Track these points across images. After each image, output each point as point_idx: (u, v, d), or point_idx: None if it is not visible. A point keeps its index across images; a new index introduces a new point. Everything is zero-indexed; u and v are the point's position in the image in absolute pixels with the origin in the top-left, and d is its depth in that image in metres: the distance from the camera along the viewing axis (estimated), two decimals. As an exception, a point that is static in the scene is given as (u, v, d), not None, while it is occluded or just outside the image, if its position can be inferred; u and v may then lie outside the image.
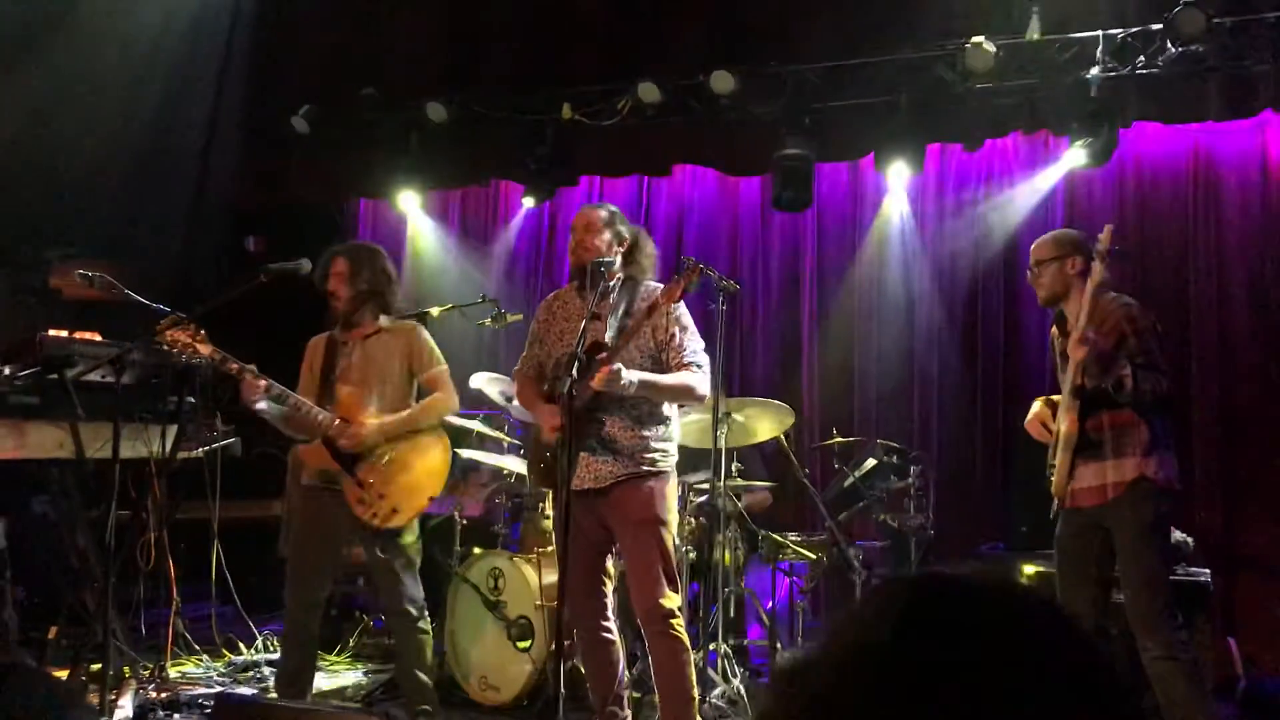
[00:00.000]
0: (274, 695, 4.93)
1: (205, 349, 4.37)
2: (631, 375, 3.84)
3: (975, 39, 5.64)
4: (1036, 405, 4.22)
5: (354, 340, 4.54)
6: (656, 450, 4.04)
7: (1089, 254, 4.01)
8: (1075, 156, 5.90)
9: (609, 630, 4.16)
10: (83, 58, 7.08)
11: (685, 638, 4.02)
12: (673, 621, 3.95)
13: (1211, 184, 6.16)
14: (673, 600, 3.97)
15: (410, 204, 7.29)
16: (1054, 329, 4.21)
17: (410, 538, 4.50)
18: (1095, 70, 5.59)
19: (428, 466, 4.47)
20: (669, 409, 4.12)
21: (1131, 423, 3.88)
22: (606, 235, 4.11)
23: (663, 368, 4.03)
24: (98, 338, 5.35)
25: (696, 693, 4.10)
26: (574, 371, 3.85)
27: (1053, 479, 4.03)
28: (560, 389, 3.88)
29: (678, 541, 4.80)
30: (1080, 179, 6.32)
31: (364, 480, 4.37)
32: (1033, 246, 4.23)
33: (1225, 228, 6.10)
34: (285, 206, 7.42)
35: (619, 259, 4.14)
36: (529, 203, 7.15)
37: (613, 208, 4.31)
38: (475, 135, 6.94)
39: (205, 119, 7.16)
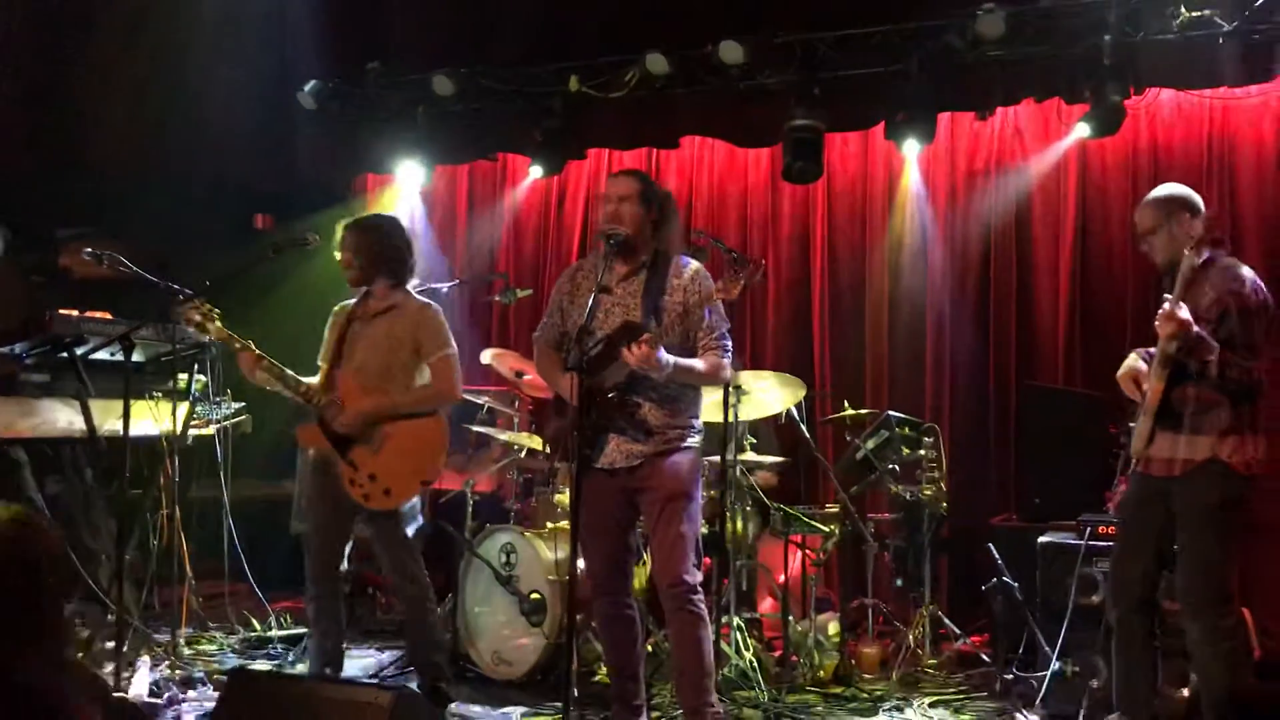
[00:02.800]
0: (297, 671, 4.97)
1: (213, 327, 4.40)
2: (668, 360, 3.81)
3: (986, 5, 5.57)
4: (1131, 359, 4.07)
5: (365, 316, 4.53)
6: (685, 428, 4.02)
7: (1195, 207, 3.88)
8: (1084, 129, 5.84)
9: (630, 607, 4.14)
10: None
11: (705, 613, 3.99)
12: (694, 597, 3.93)
13: (1226, 154, 6.08)
14: (695, 575, 3.95)
15: (418, 179, 7.26)
16: (1164, 280, 4.00)
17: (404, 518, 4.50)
18: (1107, 37, 5.51)
19: (422, 448, 4.42)
20: (693, 390, 4.10)
21: (1215, 401, 3.77)
22: (639, 207, 4.03)
23: (692, 347, 3.99)
24: (108, 316, 5.35)
25: (713, 667, 4.08)
26: (591, 349, 3.85)
27: (1133, 440, 3.94)
28: (573, 366, 3.86)
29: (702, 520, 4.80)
30: (1093, 148, 6.26)
31: (356, 461, 4.36)
32: (1136, 214, 4.07)
33: (1241, 198, 6.03)
34: (293, 183, 7.39)
35: (650, 229, 4.06)
36: (537, 175, 7.10)
37: (644, 175, 4.25)
38: (482, 109, 6.89)
39: (212, 95, 7.12)
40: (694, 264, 4.10)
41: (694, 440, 4.06)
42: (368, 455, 4.36)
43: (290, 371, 4.46)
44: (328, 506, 4.49)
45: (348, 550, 4.90)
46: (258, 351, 4.42)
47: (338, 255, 4.57)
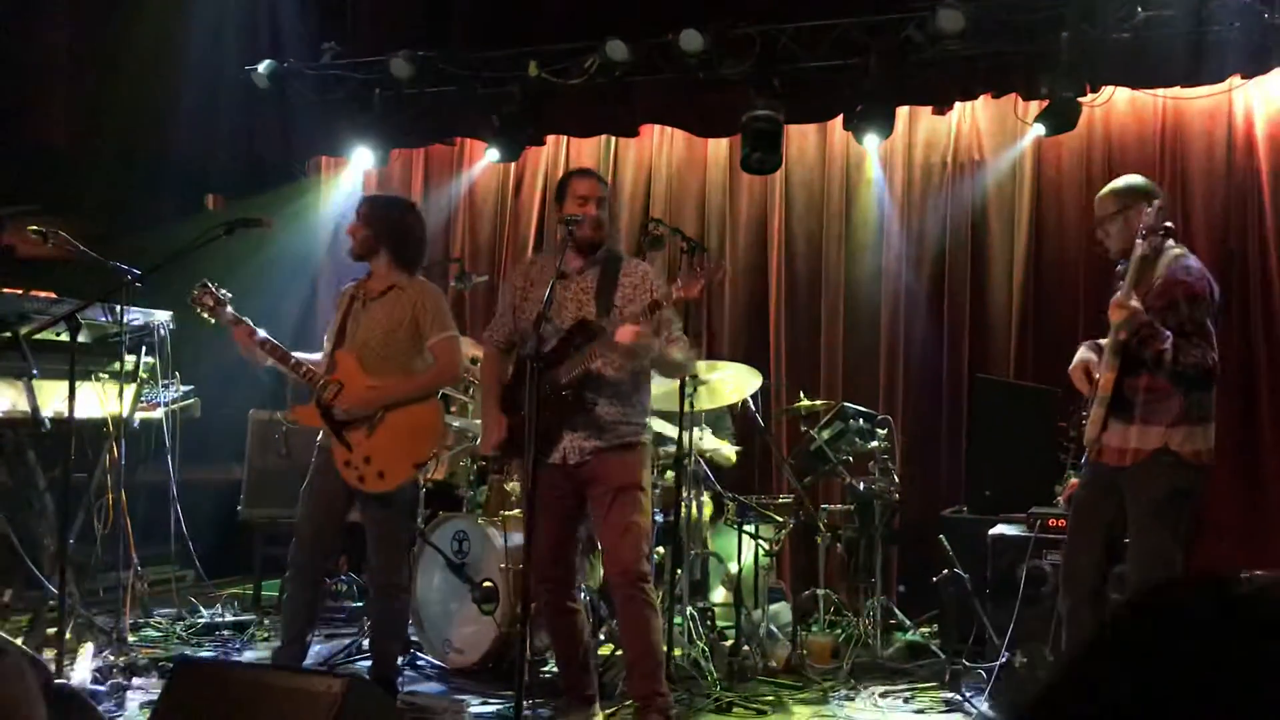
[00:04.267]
0: (244, 658, 4.90)
1: (225, 313, 4.45)
2: (655, 343, 3.93)
3: (946, 0, 5.60)
4: (1082, 350, 4.09)
5: (367, 296, 4.47)
6: (635, 424, 4.09)
7: (1153, 196, 3.91)
8: (1041, 126, 5.90)
9: (573, 599, 4.16)
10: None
11: (655, 602, 4.04)
12: (644, 586, 3.98)
13: (1178, 152, 6.18)
14: (645, 565, 4.00)
15: (372, 162, 7.17)
16: (1115, 280, 4.02)
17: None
18: (1065, 34, 5.56)
19: (417, 431, 4.38)
20: (643, 377, 4.15)
21: (1165, 391, 3.79)
22: (602, 211, 4.12)
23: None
24: (53, 296, 5.24)
25: (663, 657, 4.12)
26: (546, 347, 3.90)
27: (1085, 430, 3.96)
28: (528, 356, 3.89)
29: (656, 511, 4.83)
30: (1048, 144, 6.32)
31: (351, 443, 4.32)
32: (1096, 201, 4.11)
33: (1191, 197, 6.12)
34: (245, 164, 7.27)
35: (604, 230, 4.15)
36: (494, 160, 7.03)
37: (603, 177, 4.39)
38: (440, 93, 6.83)
39: (163, 72, 7.00)
40: (643, 264, 4.19)
41: (646, 436, 4.14)
42: (363, 437, 4.32)
43: (294, 355, 4.47)
44: (326, 489, 4.41)
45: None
46: (267, 335, 4.44)
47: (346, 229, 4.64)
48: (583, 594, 4.57)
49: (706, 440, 5.61)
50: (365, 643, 5.12)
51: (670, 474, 5.22)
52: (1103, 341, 3.97)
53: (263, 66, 6.83)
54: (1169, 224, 3.90)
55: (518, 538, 4.63)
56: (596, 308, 3.99)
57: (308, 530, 4.42)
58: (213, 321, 4.52)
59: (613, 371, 4.01)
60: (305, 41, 6.97)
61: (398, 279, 4.46)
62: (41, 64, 7.06)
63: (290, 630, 4.45)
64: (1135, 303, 3.71)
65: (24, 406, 4.94)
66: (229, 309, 4.47)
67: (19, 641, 4.15)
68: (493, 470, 5.78)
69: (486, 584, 5.02)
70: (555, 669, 4.66)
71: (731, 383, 5.49)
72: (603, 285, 4.03)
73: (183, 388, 5.78)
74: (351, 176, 7.58)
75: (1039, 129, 5.97)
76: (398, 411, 4.34)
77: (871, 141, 6.39)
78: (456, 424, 5.78)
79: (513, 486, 5.40)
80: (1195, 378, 3.77)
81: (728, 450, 5.83)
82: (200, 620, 5.75)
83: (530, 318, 4.01)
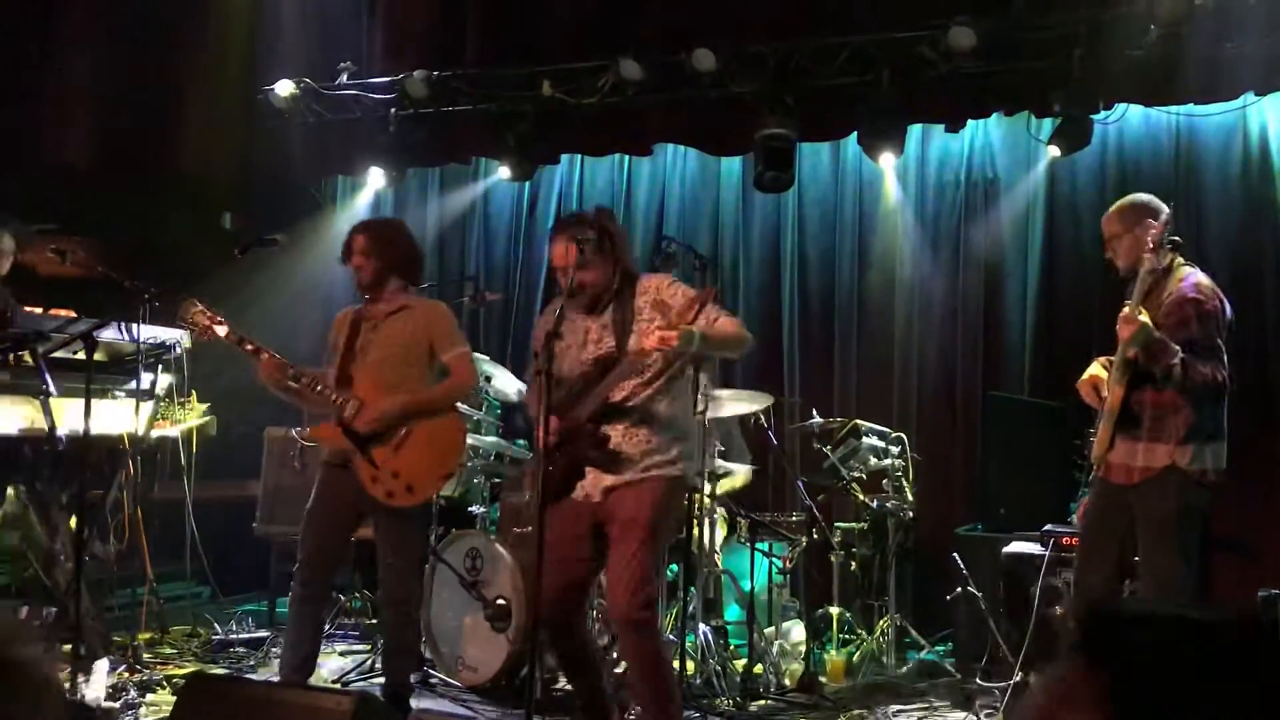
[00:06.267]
0: (257, 675, 4.91)
1: (222, 330, 4.39)
2: (692, 331, 3.62)
3: (958, 19, 5.61)
4: (1093, 366, 4.08)
5: (377, 317, 4.50)
6: (665, 455, 3.84)
7: (1159, 213, 3.90)
8: (1055, 149, 5.89)
9: (579, 628, 4.00)
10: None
11: (654, 632, 3.85)
12: (639, 622, 3.73)
13: (1193, 169, 6.16)
14: (642, 601, 3.74)
15: (389, 180, 7.22)
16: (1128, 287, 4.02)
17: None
18: (1077, 52, 5.57)
19: (442, 443, 4.44)
20: (673, 406, 3.91)
21: (1173, 407, 3.78)
22: (595, 255, 3.83)
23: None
24: (71, 314, 5.28)
25: (670, 684, 3.89)
26: (575, 390, 3.84)
27: (1094, 446, 3.95)
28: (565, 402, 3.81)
29: (663, 553, 4.65)
30: (1062, 162, 6.30)
31: (377, 460, 4.34)
32: (1103, 221, 4.12)
33: (1206, 213, 6.10)
34: (263, 183, 7.33)
35: (611, 267, 3.89)
36: (508, 179, 7.06)
37: (577, 217, 4.08)
38: (455, 112, 6.87)
39: (181, 92, 7.07)
40: (655, 276, 4.00)
41: (673, 470, 3.86)
42: (389, 453, 4.34)
43: (309, 373, 4.41)
44: (335, 507, 4.43)
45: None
46: (273, 355, 4.38)
47: (345, 260, 4.53)
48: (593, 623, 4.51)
49: (719, 465, 5.61)
50: (378, 660, 5.12)
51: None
52: (1113, 358, 3.96)
53: (280, 87, 6.89)
54: (1176, 238, 3.89)
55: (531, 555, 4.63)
56: (616, 342, 3.85)
57: (315, 551, 4.42)
58: (208, 340, 4.47)
59: (637, 399, 3.84)
60: (321, 62, 7.02)
61: (406, 299, 4.52)
62: (60, 84, 7.13)
63: (299, 651, 4.42)
64: (1144, 317, 3.70)
65: (41, 424, 4.97)
66: (225, 328, 4.39)
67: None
68: (506, 487, 5.80)
69: (499, 601, 5.02)
70: (568, 687, 4.65)
71: (742, 403, 5.50)
72: (618, 315, 3.89)
73: (199, 405, 5.82)
74: (367, 196, 7.62)
75: (1054, 151, 5.96)
76: (422, 425, 4.37)
77: (885, 159, 6.40)
78: (470, 441, 5.80)
79: (526, 503, 5.42)
80: (1205, 394, 3.75)
81: (738, 479, 5.81)
82: (215, 637, 5.77)
83: (557, 365, 3.88)
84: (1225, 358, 3.81)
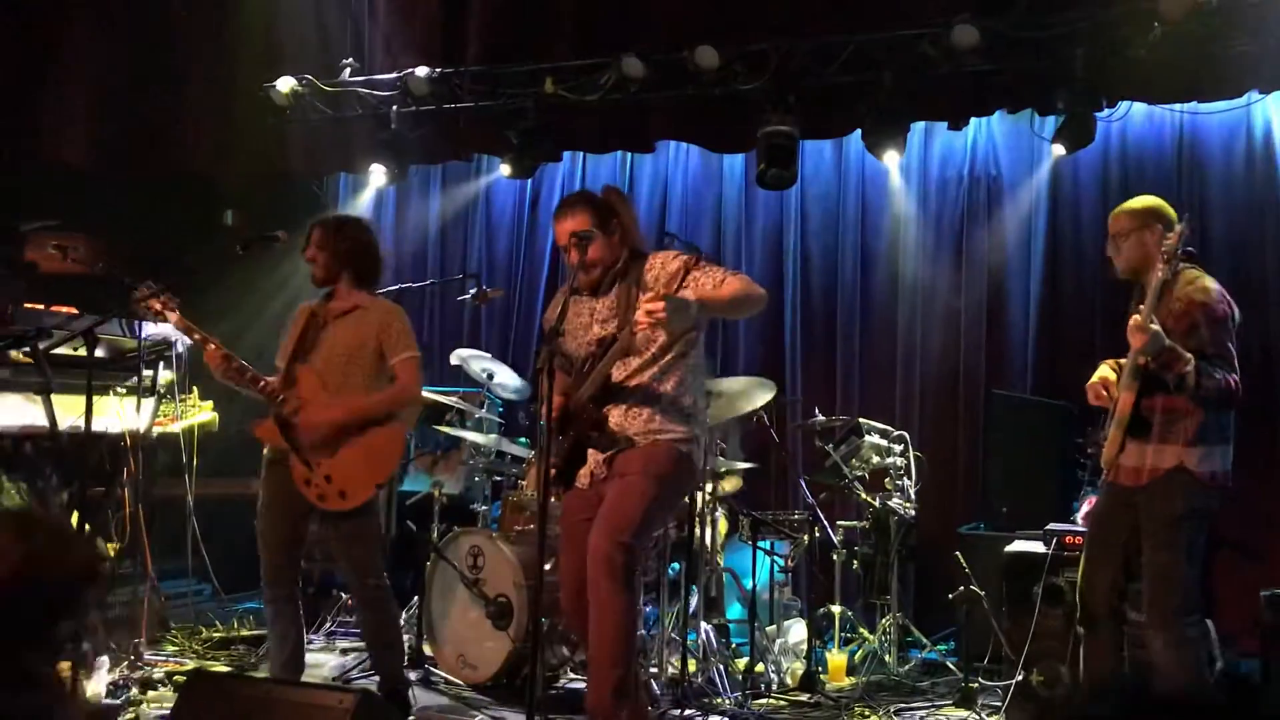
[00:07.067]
0: (258, 673, 4.90)
1: (173, 316, 4.32)
2: (686, 293, 3.54)
3: (960, 16, 5.59)
4: (1102, 368, 4.05)
5: (329, 316, 4.45)
6: (669, 429, 3.78)
7: (1170, 221, 3.90)
8: (1060, 148, 5.87)
9: None
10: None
11: (629, 593, 3.64)
12: (614, 570, 3.58)
13: (1197, 167, 6.15)
14: (622, 546, 3.60)
15: (390, 177, 7.20)
16: (1134, 293, 4.03)
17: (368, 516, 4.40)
18: (1080, 50, 5.55)
19: (380, 452, 4.30)
20: (680, 388, 3.82)
21: (1184, 411, 3.78)
22: (600, 233, 3.80)
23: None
24: (73, 311, 5.28)
25: (628, 662, 3.67)
26: (584, 370, 3.81)
27: (1103, 450, 3.94)
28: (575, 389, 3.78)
29: (668, 518, 4.56)
30: (1065, 160, 6.29)
31: (312, 462, 4.29)
32: (1110, 217, 4.09)
33: (1209, 212, 6.08)
34: (265, 180, 7.32)
35: (616, 247, 3.86)
36: (509, 176, 7.04)
37: (587, 195, 4.02)
38: (457, 109, 6.85)
39: (183, 89, 7.06)
40: (663, 252, 3.88)
41: (674, 437, 3.77)
42: (325, 455, 4.27)
43: (251, 369, 4.37)
44: (277, 510, 4.38)
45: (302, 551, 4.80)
46: (219, 346, 4.30)
47: (304, 254, 4.49)
48: None
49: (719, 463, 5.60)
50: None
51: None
52: (1123, 361, 3.95)
53: (281, 83, 6.88)
54: (1191, 249, 3.87)
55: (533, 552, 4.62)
56: (619, 323, 3.77)
57: (277, 551, 4.36)
58: (166, 327, 4.40)
59: (640, 379, 3.78)
60: (323, 58, 7.01)
61: (360, 299, 4.42)
62: (61, 82, 7.12)
63: (285, 648, 4.38)
64: (1155, 325, 3.69)
65: (42, 421, 4.98)
66: (175, 314, 4.30)
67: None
68: (507, 485, 5.80)
69: (500, 599, 5.02)
70: (569, 685, 4.65)
71: (745, 394, 5.48)
72: (623, 294, 3.81)
73: (200, 402, 5.81)
74: (369, 193, 7.62)
75: (1058, 150, 5.95)
76: (359, 431, 4.26)
77: (889, 157, 6.38)
78: (471, 439, 5.80)
79: (527, 500, 5.42)
80: (1217, 399, 3.74)
81: (729, 484, 5.77)
82: (216, 634, 5.76)
83: (569, 350, 3.92)
84: (1236, 362, 3.79)
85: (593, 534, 3.66)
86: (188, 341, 5.41)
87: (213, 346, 4.30)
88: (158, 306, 4.31)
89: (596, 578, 3.63)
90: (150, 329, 5.34)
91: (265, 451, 4.47)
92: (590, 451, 3.84)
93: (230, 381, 4.37)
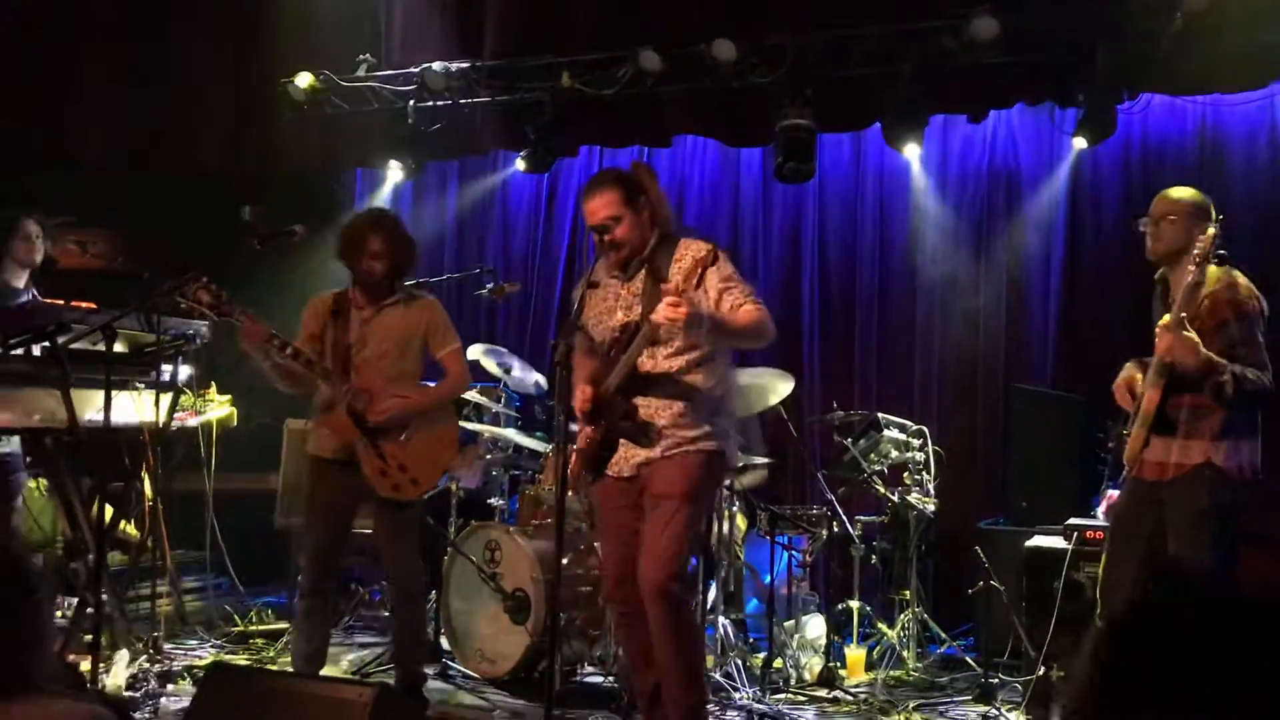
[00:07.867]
0: (277, 667, 4.92)
1: (247, 321, 4.21)
2: (702, 310, 3.52)
3: (979, 8, 5.55)
4: (1127, 369, 4.01)
5: (370, 308, 4.46)
6: (697, 430, 3.73)
7: (1210, 217, 3.83)
8: (1082, 140, 5.82)
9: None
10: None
11: (689, 614, 3.80)
12: (667, 597, 3.63)
13: (1218, 159, 6.09)
14: (673, 578, 3.65)
15: (407, 172, 7.20)
16: (1157, 288, 3.99)
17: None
18: (1100, 42, 5.50)
19: (442, 438, 4.52)
20: (710, 378, 3.80)
21: (1211, 406, 3.73)
22: (629, 213, 3.75)
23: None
24: (92, 306, 5.29)
25: (703, 674, 3.81)
26: (610, 354, 3.80)
27: (1126, 447, 3.90)
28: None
29: (702, 528, 4.56)
30: (1085, 152, 6.24)
31: (386, 453, 4.33)
32: (1158, 197, 3.99)
33: (1231, 203, 6.00)
34: (282, 176, 7.33)
35: (647, 227, 3.81)
36: (526, 170, 7.02)
37: (616, 173, 3.96)
38: (474, 104, 6.85)
39: (200, 85, 7.07)
40: (695, 242, 3.79)
41: (708, 444, 3.75)
42: (397, 447, 4.36)
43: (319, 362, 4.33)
44: (334, 504, 4.42)
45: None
46: (268, 327, 4.23)
47: (356, 257, 4.43)
48: None
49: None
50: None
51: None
52: (1147, 360, 3.91)
53: (299, 79, 6.88)
54: (1224, 251, 3.83)
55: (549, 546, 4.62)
56: (643, 309, 3.72)
57: (322, 550, 4.42)
58: (215, 319, 4.27)
59: (669, 370, 3.73)
60: (340, 54, 7.01)
61: (399, 290, 4.51)
62: (78, 79, 7.14)
63: (313, 643, 4.44)
64: (1191, 333, 3.63)
65: (61, 415, 4.99)
66: (227, 304, 4.19)
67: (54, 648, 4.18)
68: (525, 479, 5.79)
69: (518, 594, 5.01)
70: (585, 679, 4.64)
71: (763, 388, 5.46)
72: (650, 280, 3.75)
73: (219, 397, 5.82)
74: (387, 188, 7.61)
75: (1079, 142, 5.90)
76: (422, 419, 4.41)
77: (908, 150, 6.34)
78: (489, 433, 5.79)
79: (545, 495, 5.41)
80: (1248, 399, 3.70)
81: (751, 478, 5.74)
82: (234, 628, 5.77)
83: (595, 331, 3.91)
84: (1266, 357, 3.75)
85: (643, 565, 3.68)
86: (208, 337, 5.38)
87: (277, 343, 4.24)
88: (207, 297, 4.18)
89: (657, 615, 3.67)
90: (168, 323, 5.34)
91: (311, 450, 4.47)
92: (621, 443, 3.81)
93: (264, 358, 4.28)
